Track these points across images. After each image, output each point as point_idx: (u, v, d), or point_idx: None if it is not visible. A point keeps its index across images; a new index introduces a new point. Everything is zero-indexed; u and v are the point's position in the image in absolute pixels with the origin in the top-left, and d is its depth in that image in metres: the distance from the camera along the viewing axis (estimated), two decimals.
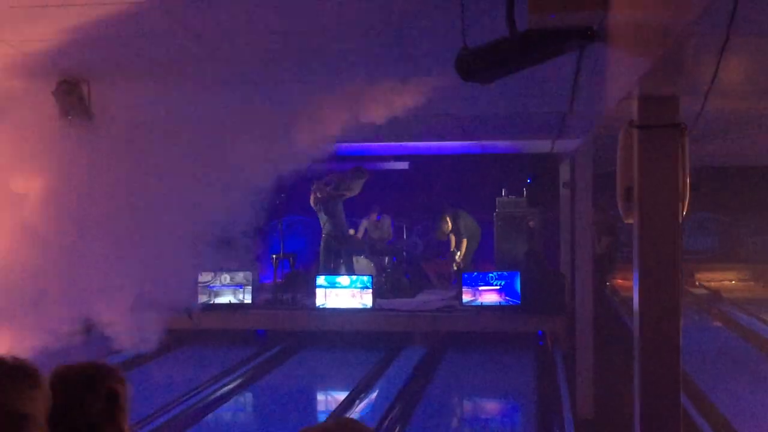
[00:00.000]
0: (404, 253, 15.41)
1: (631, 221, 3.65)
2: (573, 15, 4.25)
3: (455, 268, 14.88)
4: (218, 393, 10.09)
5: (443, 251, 15.73)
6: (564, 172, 12.92)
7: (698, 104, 3.12)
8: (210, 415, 9.36)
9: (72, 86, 6.07)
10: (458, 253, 14.99)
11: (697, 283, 17.86)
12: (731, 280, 19.19)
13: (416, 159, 15.22)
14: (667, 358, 3.15)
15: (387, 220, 15.31)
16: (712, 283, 18.09)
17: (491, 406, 10.46)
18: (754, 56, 2.88)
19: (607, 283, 15.34)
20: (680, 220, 3.20)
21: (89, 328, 12.17)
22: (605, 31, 4.13)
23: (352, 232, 15.08)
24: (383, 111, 7.43)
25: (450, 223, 15.02)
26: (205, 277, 12.85)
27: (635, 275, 3.60)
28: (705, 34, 2.71)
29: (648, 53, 3.48)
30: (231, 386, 10.43)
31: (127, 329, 11.47)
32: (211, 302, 12.88)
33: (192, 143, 7.76)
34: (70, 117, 6.14)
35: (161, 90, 6.79)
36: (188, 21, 4.99)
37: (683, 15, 3.03)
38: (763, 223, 19.85)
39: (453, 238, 15.18)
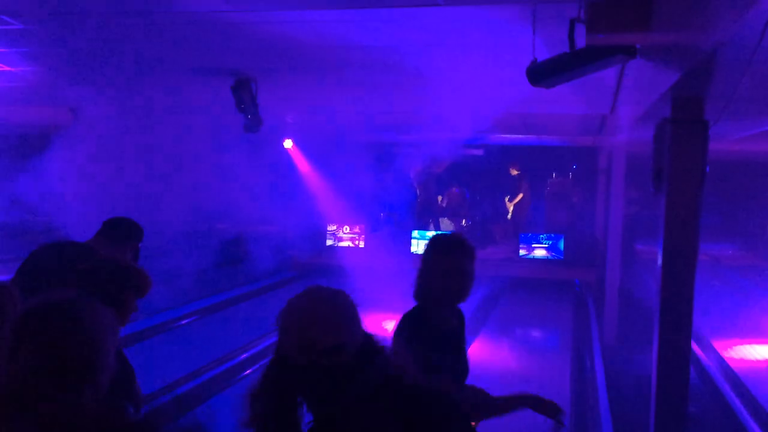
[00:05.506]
0: (476, 217, 15.23)
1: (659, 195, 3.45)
2: (620, 35, 4.01)
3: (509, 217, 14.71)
4: None
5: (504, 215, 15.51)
6: (602, 161, 12.39)
7: (721, 105, 2.91)
8: None
9: (244, 83, 6.05)
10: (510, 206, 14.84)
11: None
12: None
13: (488, 147, 14.93)
14: (684, 304, 2.98)
15: (464, 192, 15.18)
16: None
17: (537, 333, 10.22)
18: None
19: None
20: (701, 195, 3.01)
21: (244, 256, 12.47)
22: (647, 48, 3.88)
23: (440, 198, 15.11)
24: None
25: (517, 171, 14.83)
26: (331, 227, 12.99)
27: (660, 238, 3.40)
28: (730, 52, 2.50)
29: (680, 65, 3.25)
30: None
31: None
32: (335, 245, 13.01)
33: None
34: (242, 106, 6.12)
35: None
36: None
37: (711, 35, 2.80)
38: None
39: (510, 207, 15.03)
